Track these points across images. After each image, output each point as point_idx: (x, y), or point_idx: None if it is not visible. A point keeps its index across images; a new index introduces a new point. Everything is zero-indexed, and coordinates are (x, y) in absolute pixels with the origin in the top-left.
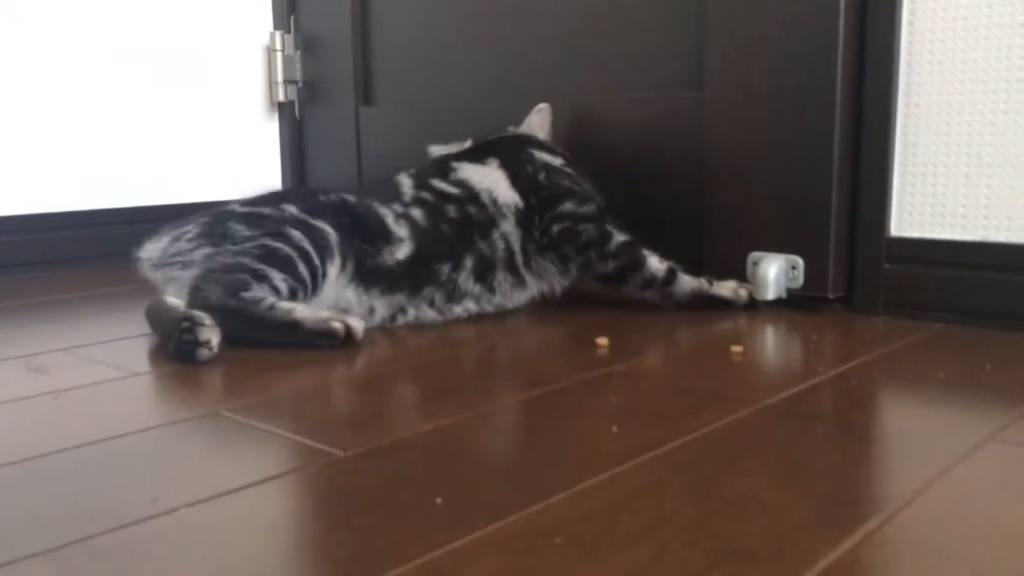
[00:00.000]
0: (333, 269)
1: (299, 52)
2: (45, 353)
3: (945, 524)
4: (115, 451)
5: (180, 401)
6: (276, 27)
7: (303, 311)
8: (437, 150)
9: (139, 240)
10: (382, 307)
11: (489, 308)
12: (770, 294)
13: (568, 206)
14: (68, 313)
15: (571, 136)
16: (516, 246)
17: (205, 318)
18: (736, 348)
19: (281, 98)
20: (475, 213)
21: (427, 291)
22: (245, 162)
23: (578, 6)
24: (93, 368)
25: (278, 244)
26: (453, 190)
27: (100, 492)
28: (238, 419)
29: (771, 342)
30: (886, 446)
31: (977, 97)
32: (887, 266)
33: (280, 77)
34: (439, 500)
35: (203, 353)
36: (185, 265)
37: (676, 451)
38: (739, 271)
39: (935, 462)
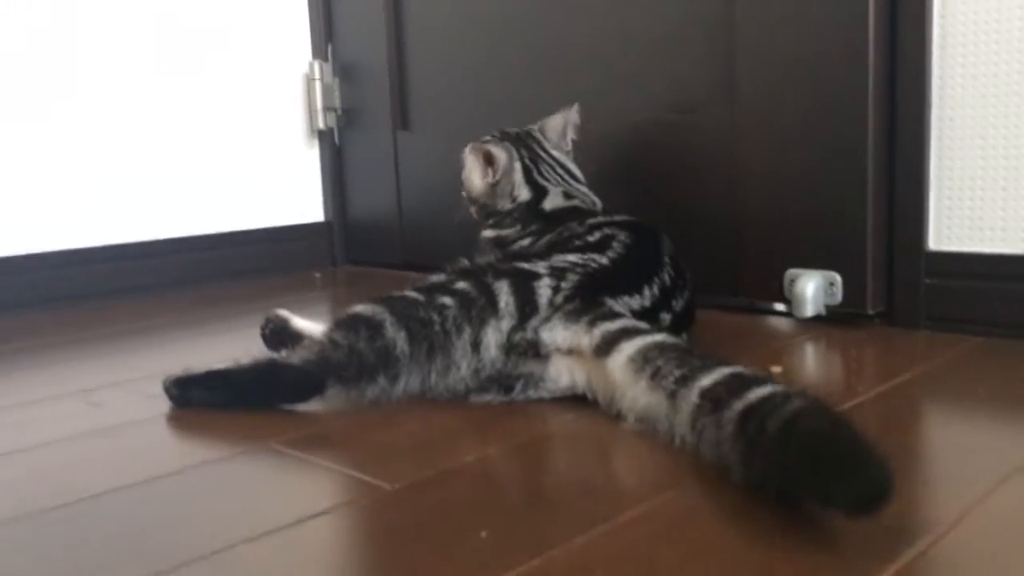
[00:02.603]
0: None
1: (337, 80)
2: (102, 388)
3: (988, 551)
4: (173, 487)
5: (233, 434)
6: (315, 56)
7: None
8: None
9: (183, 270)
10: None
11: None
12: (809, 311)
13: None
14: (121, 346)
15: (605, 155)
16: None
17: None
18: (776, 368)
19: (321, 126)
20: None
21: None
22: (287, 189)
23: (612, 30)
24: (147, 402)
25: None
26: None
27: (161, 529)
28: (290, 452)
29: (811, 360)
30: (929, 468)
31: (1011, 109)
32: (926, 280)
33: (319, 105)
34: (484, 534)
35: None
36: None
37: (719, 479)
38: (776, 288)
39: (979, 484)
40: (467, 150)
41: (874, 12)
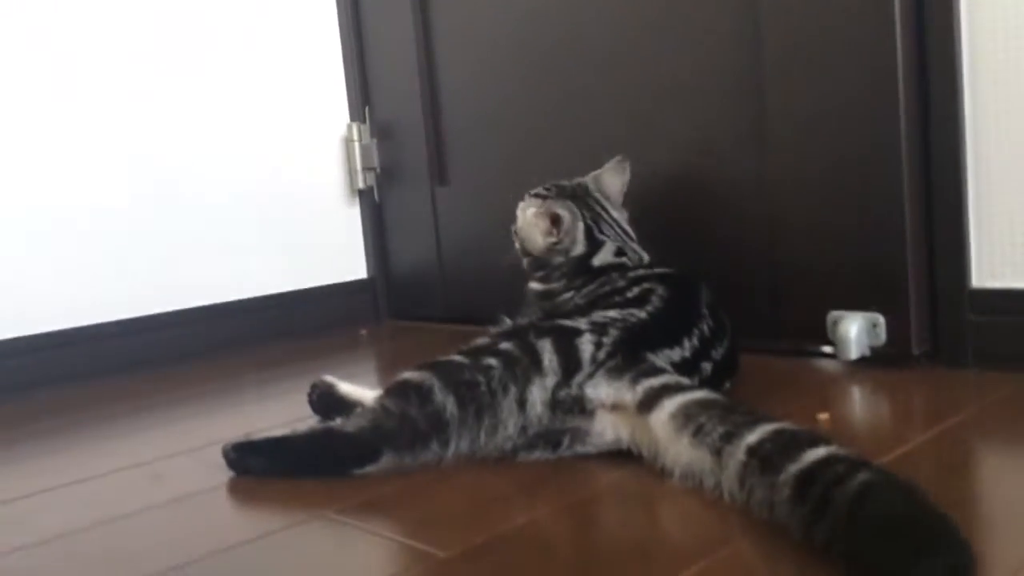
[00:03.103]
0: None
1: (375, 140)
2: (163, 459)
3: None
4: (235, 562)
5: (291, 503)
6: (352, 119)
7: None
8: None
9: (233, 333)
10: None
11: None
12: (853, 353)
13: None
14: (179, 414)
15: (642, 201)
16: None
17: None
18: (823, 415)
19: (361, 185)
20: None
21: None
22: (331, 248)
23: (642, 79)
24: (207, 472)
25: None
26: None
27: None
28: (345, 521)
29: (858, 405)
30: (984, 522)
31: None
32: (971, 318)
33: (359, 166)
34: None
35: None
36: None
37: (772, 534)
38: (819, 331)
39: None
40: (529, 208)
41: (902, 55)
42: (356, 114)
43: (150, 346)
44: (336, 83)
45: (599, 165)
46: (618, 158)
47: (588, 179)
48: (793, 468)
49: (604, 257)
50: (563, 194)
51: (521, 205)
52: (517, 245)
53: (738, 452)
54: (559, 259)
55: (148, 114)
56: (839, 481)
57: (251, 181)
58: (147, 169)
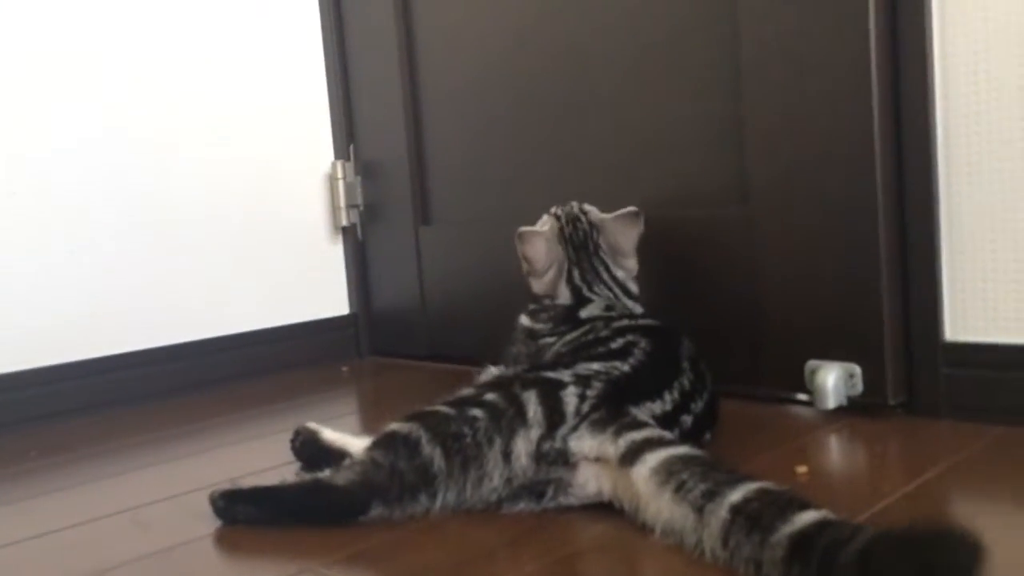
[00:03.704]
0: None
1: (359, 178)
2: (146, 505)
3: None
4: None
5: (279, 556)
6: (337, 156)
7: None
8: None
9: (213, 370)
10: None
11: None
12: (830, 403)
13: None
14: (159, 455)
15: None
16: None
17: None
18: (801, 469)
19: (344, 223)
20: None
21: None
22: (313, 285)
23: (626, 128)
24: (192, 520)
25: None
26: None
27: None
28: (333, 575)
29: (836, 457)
30: None
31: (1019, 204)
32: (944, 370)
33: (343, 203)
34: None
35: None
36: None
37: None
38: (797, 379)
39: None
40: (531, 238)
41: (879, 108)
42: (341, 152)
43: (127, 384)
44: (321, 121)
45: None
46: (632, 210)
47: (601, 222)
48: (787, 529)
49: (591, 311)
50: (571, 241)
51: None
52: (525, 268)
53: (720, 510)
54: (547, 301)
55: (130, 148)
56: (843, 542)
57: (234, 216)
58: (126, 203)
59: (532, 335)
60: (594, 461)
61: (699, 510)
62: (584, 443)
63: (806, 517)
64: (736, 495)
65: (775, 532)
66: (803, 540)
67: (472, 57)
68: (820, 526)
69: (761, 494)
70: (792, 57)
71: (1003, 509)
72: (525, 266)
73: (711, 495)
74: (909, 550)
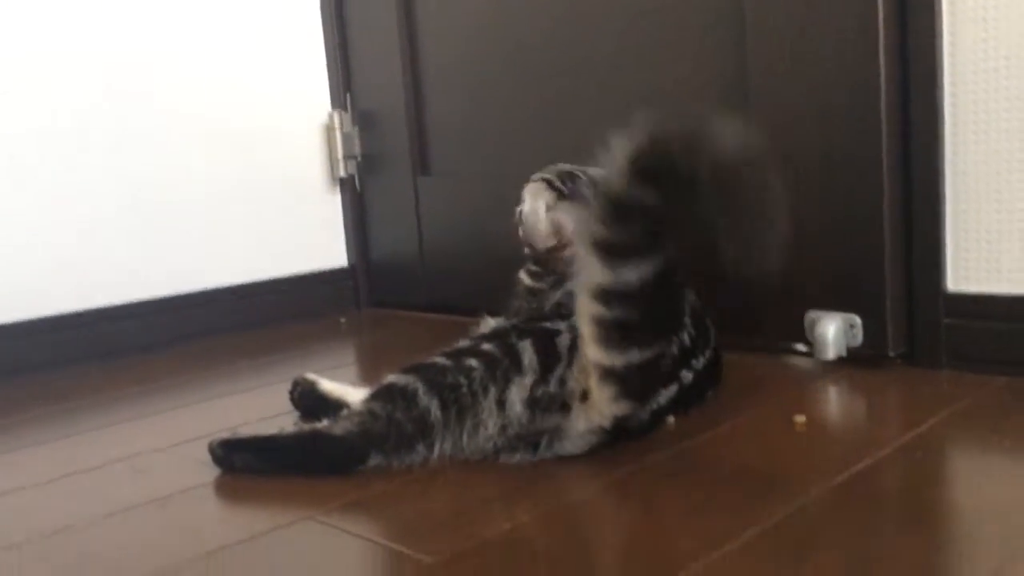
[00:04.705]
0: None
1: (356, 128)
2: (145, 453)
3: None
4: (220, 566)
5: (277, 504)
6: (334, 106)
7: None
8: None
9: (211, 322)
10: None
11: None
12: (830, 354)
13: None
14: (158, 405)
15: None
16: None
17: None
18: (799, 419)
19: (342, 173)
20: None
21: None
22: (311, 236)
23: (625, 81)
24: (192, 468)
25: None
26: None
27: None
28: (330, 524)
29: (834, 407)
30: (956, 530)
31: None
32: (946, 321)
33: (340, 154)
34: None
35: None
36: None
37: (744, 549)
38: (797, 330)
39: (1008, 545)
40: (538, 199)
41: (885, 62)
42: (338, 101)
43: (124, 335)
44: (318, 70)
45: (584, 162)
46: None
47: (598, 175)
48: None
49: None
50: (574, 195)
51: (529, 188)
52: (520, 232)
53: None
54: (553, 265)
55: (125, 101)
56: None
57: (231, 168)
58: (123, 155)
59: (533, 292)
60: (581, 398)
61: None
62: (574, 379)
63: None
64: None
65: None
66: None
67: (472, 5)
68: None
69: None
70: (797, 8)
71: (1001, 459)
72: (525, 231)
73: None
74: None
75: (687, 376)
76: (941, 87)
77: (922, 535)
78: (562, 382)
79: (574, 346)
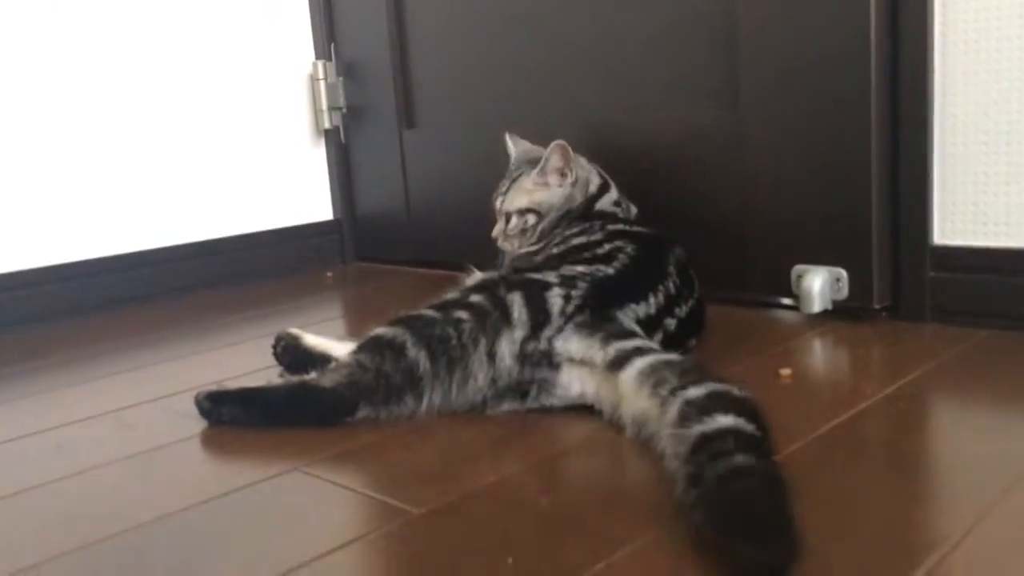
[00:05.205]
0: None
1: (341, 79)
2: (131, 407)
3: (995, 566)
4: (208, 517)
5: (263, 456)
6: (318, 56)
7: None
8: None
9: (195, 275)
10: None
11: None
12: (816, 307)
13: None
14: (144, 359)
15: (608, 152)
16: None
17: None
18: (785, 371)
19: (327, 125)
20: None
21: None
22: (296, 189)
23: (615, 28)
24: (178, 422)
25: None
26: None
27: (203, 560)
28: (317, 475)
29: (819, 360)
30: (936, 479)
31: (1013, 106)
32: (931, 274)
33: (324, 105)
34: (510, 560)
35: None
36: None
37: None
38: (784, 283)
39: (985, 494)
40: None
41: (875, 11)
42: (322, 52)
43: (109, 288)
44: (301, 19)
45: (571, 113)
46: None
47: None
48: (699, 428)
49: (604, 204)
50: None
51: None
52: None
53: (678, 402)
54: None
55: (108, 53)
56: (718, 456)
57: (213, 120)
58: (105, 108)
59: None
60: (579, 364)
61: (663, 403)
62: (570, 345)
63: (718, 423)
64: (696, 391)
65: (690, 428)
66: (701, 445)
67: None
68: (718, 437)
69: (711, 395)
70: None
71: (981, 411)
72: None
73: (676, 391)
74: (745, 519)
75: (670, 324)
76: (931, 33)
77: (903, 483)
78: (555, 342)
79: (567, 304)
